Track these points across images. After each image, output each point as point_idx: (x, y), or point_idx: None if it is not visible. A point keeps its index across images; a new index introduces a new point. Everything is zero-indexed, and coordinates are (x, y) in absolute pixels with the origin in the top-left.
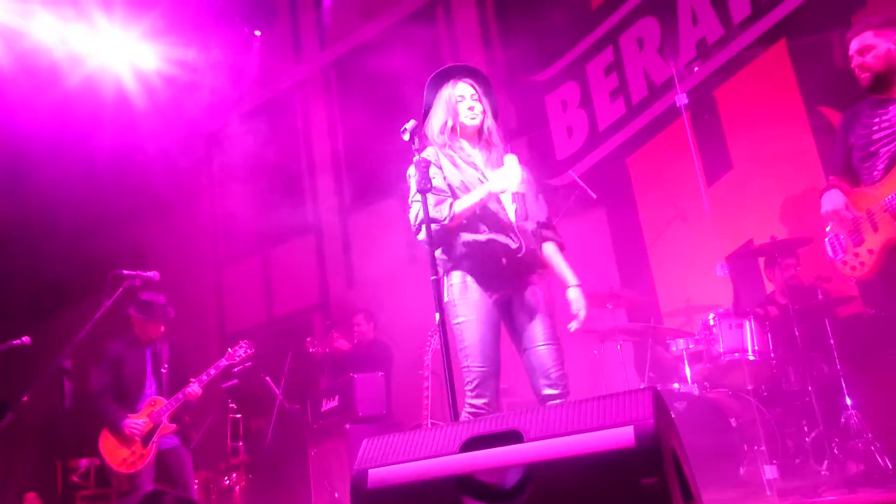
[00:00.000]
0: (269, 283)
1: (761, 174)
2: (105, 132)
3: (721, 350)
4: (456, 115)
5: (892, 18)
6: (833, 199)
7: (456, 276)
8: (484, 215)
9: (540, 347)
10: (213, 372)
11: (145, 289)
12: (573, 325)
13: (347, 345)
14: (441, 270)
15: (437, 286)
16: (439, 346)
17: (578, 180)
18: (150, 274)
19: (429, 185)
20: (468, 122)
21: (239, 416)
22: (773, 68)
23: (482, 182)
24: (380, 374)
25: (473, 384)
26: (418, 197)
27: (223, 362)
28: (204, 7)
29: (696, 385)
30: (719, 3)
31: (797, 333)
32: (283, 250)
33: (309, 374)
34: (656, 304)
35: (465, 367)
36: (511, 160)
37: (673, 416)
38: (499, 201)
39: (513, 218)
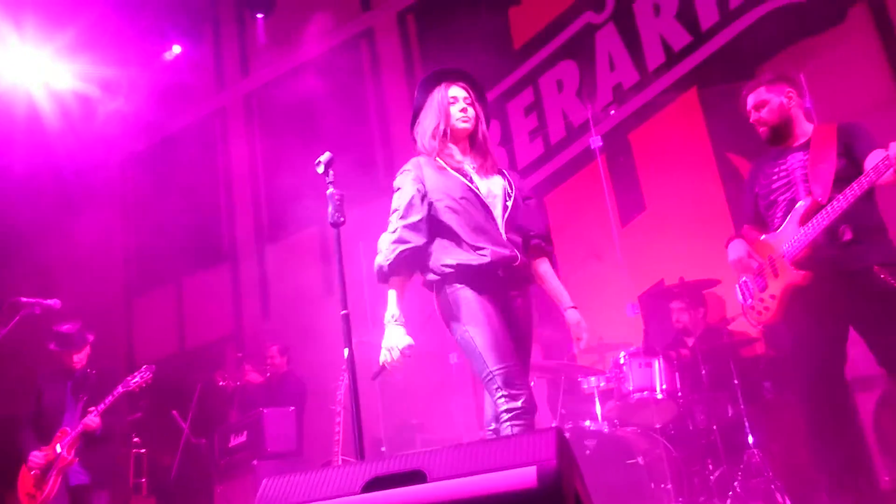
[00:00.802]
0: (181, 313)
1: (673, 216)
2: (16, 152)
3: (631, 388)
4: (448, 117)
5: (782, 74)
6: (736, 249)
7: (451, 288)
8: (480, 228)
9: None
10: (109, 400)
11: (58, 319)
12: (582, 345)
13: (259, 378)
14: (431, 280)
15: (347, 321)
16: (350, 382)
17: None
18: (50, 302)
19: (342, 219)
20: (460, 126)
21: (143, 450)
22: (684, 114)
23: (471, 189)
24: (291, 408)
25: (503, 388)
26: (392, 217)
27: (119, 389)
28: (122, 27)
29: (606, 423)
30: (635, 50)
31: (703, 373)
32: (197, 279)
33: (218, 407)
34: (570, 342)
35: (485, 375)
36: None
37: (587, 453)
38: (489, 212)
39: (503, 230)
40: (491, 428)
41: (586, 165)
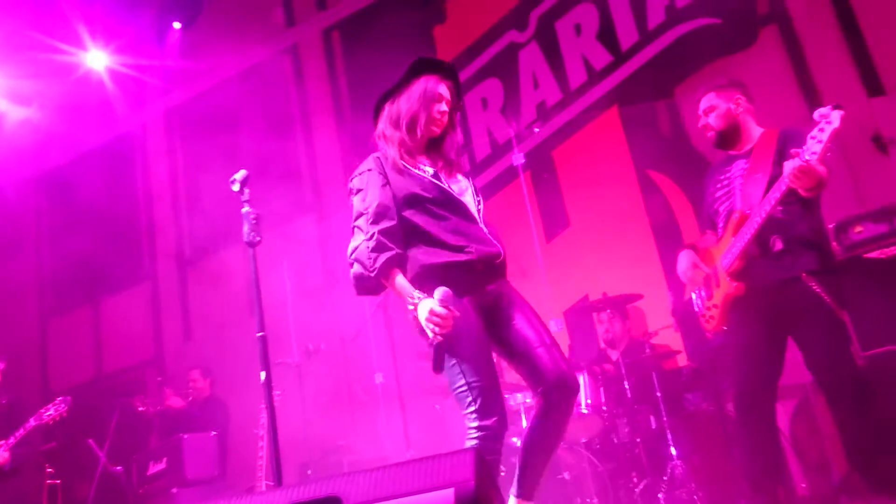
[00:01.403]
0: (99, 336)
1: (596, 232)
2: None
3: None
4: (430, 111)
5: (735, 80)
6: (681, 261)
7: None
8: (457, 230)
9: (540, 349)
10: (20, 433)
11: None
12: None
13: (181, 402)
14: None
15: (264, 343)
16: (267, 405)
17: None
18: None
19: (258, 239)
20: (432, 126)
21: (58, 481)
22: (606, 132)
23: (441, 188)
24: (212, 433)
25: (476, 403)
26: (360, 222)
27: (31, 422)
28: (36, 39)
29: None
30: (558, 69)
31: (627, 386)
32: (115, 301)
33: (137, 434)
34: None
35: (459, 388)
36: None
37: (513, 470)
38: (467, 211)
39: (484, 226)
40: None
41: (511, 182)
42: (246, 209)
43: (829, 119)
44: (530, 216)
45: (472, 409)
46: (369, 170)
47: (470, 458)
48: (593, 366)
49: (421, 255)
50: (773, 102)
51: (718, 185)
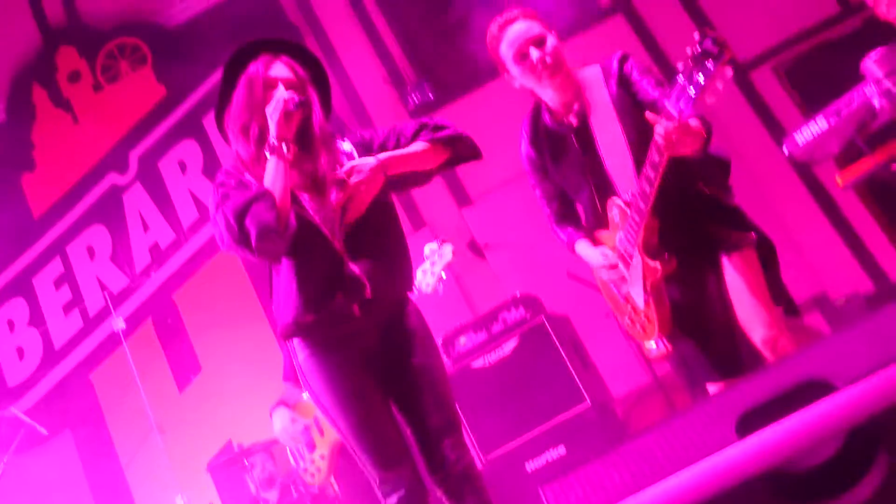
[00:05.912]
0: None
1: (230, 374)
2: None
3: None
4: (269, 113)
5: None
6: (281, 417)
7: (298, 353)
8: (317, 270)
9: (426, 422)
10: None
11: None
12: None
13: None
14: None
15: None
16: None
17: (22, 416)
18: None
19: None
20: (279, 126)
21: None
22: (228, 269)
23: (301, 217)
24: None
25: (375, 482)
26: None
27: None
28: None
29: None
30: (167, 208)
31: None
32: None
33: None
34: None
35: (359, 464)
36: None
37: None
38: (325, 239)
39: (344, 255)
40: None
41: (133, 332)
42: None
43: (441, 253)
44: (134, 377)
45: (376, 488)
46: (220, 184)
47: None
48: None
49: (282, 310)
50: None
51: None
